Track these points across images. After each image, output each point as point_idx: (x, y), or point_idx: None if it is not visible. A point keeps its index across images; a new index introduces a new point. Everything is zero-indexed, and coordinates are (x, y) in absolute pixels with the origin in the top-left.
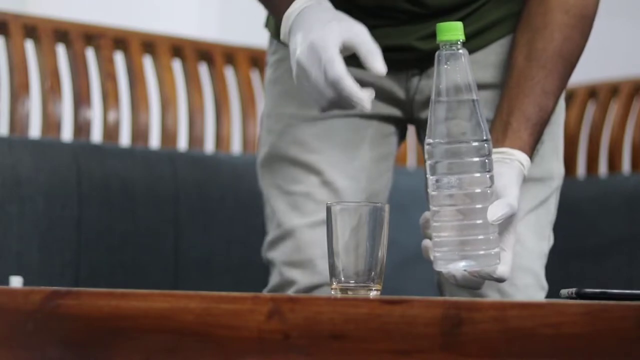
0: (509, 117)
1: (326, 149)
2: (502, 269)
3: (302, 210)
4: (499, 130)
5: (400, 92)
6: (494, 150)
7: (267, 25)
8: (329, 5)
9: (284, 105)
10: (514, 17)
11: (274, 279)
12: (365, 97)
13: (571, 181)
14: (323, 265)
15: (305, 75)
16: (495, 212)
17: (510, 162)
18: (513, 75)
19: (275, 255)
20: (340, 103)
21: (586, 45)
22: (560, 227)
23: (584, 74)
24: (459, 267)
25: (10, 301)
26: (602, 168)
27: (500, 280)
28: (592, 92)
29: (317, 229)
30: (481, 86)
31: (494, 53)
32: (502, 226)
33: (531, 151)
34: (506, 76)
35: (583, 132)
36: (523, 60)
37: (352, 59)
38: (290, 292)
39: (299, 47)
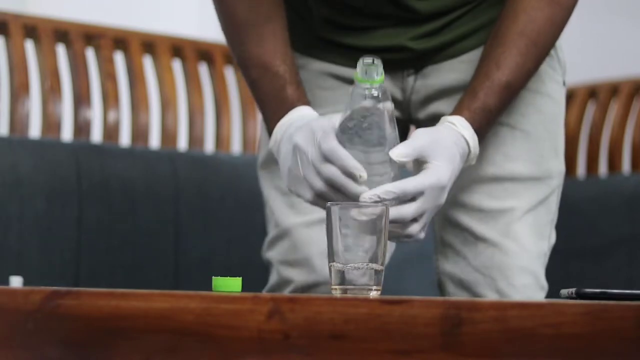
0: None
1: None
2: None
3: (299, 210)
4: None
5: (397, 93)
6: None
7: None
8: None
9: None
10: None
11: (272, 279)
12: (359, 166)
13: (571, 181)
14: (319, 264)
15: (302, 156)
16: (399, 152)
17: (441, 123)
18: (479, 61)
19: (273, 254)
20: (335, 183)
21: (559, 35)
22: (560, 227)
23: (584, 74)
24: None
25: (10, 301)
26: (602, 168)
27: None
28: (592, 92)
29: (313, 227)
30: None
31: None
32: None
33: (470, 112)
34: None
35: (583, 132)
36: (489, 43)
37: (351, 60)
38: (287, 291)
39: (297, 133)
